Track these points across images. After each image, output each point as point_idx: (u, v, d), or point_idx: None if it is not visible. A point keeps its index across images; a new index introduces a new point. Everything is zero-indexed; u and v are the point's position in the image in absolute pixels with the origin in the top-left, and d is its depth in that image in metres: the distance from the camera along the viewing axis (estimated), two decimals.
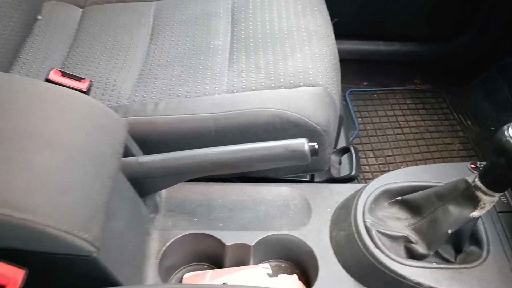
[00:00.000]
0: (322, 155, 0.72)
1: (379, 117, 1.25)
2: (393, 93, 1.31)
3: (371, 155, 1.16)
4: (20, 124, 0.52)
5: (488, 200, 0.56)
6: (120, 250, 0.54)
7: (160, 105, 0.71)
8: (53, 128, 0.53)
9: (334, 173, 0.83)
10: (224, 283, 0.60)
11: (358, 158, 0.85)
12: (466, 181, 0.57)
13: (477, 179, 0.56)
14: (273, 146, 0.59)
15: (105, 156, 0.54)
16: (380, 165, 1.13)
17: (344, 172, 0.84)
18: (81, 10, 0.97)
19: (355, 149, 0.87)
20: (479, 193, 0.56)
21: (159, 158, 0.61)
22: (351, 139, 1.14)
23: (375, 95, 1.31)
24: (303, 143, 0.59)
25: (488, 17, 1.23)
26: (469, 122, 1.22)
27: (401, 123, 1.24)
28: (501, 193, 0.56)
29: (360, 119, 1.24)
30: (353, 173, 0.81)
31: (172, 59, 0.82)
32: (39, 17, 0.93)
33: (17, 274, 0.45)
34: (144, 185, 0.62)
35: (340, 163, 0.87)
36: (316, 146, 0.60)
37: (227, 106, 0.70)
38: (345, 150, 0.88)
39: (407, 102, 1.29)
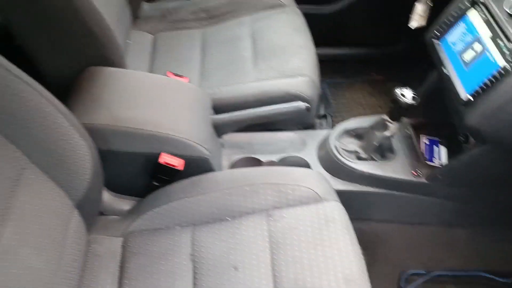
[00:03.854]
0: (310, 114, 1.30)
1: (346, 99, 1.84)
2: (355, 83, 1.90)
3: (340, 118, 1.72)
4: (159, 93, 1.08)
5: (392, 126, 1.15)
6: (215, 159, 1.11)
7: (219, 90, 1.28)
8: (177, 96, 1.09)
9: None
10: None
11: (331, 119, 1.43)
12: (382, 117, 1.16)
13: (385, 116, 1.15)
14: (288, 105, 1.17)
15: (206, 111, 1.12)
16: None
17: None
18: (152, 36, 1.53)
19: (330, 115, 1.46)
20: (387, 123, 1.15)
21: (228, 116, 1.19)
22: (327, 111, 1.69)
23: (343, 84, 1.90)
24: (303, 104, 1.17)
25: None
26: None
27: (361, 101, 1.83)
28: (397, 122, 1.14)
29: (334, 100, 1.82)
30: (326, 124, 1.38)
31: (220, 65, 1.38)
32: (129, 41, 1.44)
33: (180, 161, 1.02)
34: (218, 129, 1.19)
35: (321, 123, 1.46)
36: (308, 105, 1.19)
37: (256, 89, 1.27)
38: (324, 116, 1.47)
39: (366, 88, 1.89)
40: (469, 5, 1.02)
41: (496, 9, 0.95)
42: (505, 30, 0.91)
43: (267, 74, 1.30)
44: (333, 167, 1.18)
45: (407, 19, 1.73)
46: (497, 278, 1.29)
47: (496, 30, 0.94)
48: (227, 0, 1.55)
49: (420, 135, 1.25)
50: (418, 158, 1.20)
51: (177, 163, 1.00)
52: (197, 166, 1.05)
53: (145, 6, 1.58)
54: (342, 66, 1.88)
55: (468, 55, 0.99)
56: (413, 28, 1.24)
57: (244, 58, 1.38)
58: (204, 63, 1.40)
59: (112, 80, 1.06)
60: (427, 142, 1.24)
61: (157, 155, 1.00)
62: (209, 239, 0.98)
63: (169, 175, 1.03)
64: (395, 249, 1.28)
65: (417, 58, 1.85)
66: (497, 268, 1.29)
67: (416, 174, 1.16)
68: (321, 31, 1.53)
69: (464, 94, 0.96)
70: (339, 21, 1.81)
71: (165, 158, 1.00)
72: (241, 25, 1.50)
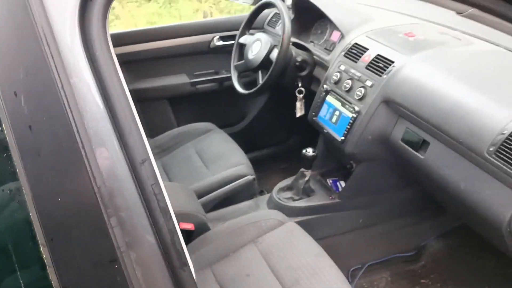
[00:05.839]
0: (254, 185, 1.94)
1: (272, 179, 2.52)
2: (274, 172, 2.61)
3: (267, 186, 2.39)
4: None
5: (308, 173, 1.84)
6: (207, 225, 1.69)
7: (193, 186, 1.89)
8: (179, 195, 1.70)
9: None
10: None
11: (265, 190, 2.09)
12: (300, 171, 1.85)
13: (302, 169, 1.84)
14: (242, 179, 1.82)
15: (194, 197, 1.73)
16: None
17: None
18: None
19: (265, 190, 2.12)
20: (305, 172, 1.84)
21: (205, 198, 1.79)
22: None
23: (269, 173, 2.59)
24: (251, 176, 1.84)
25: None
26: None
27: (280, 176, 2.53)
28: (310, 169, 1.84)
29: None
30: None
31: (184, 175, 2.00)
32: None
33: (191, 225, 1.59)
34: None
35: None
36: (254, 176, 1.84)
37: (216, 178, 1.91)
38: (261, 191, 2.12)
39: (283, 175, 2.60)
40: (325, 94, 1.82)
41: (339, 91, 1.75)
42: (347, 99, 1.70)
43: (218, 170, 1.95)
44: (281, 211, 1.80)
45: (291, 121, 2.56)
46: (406, 254, 1.95)
47: (343, 101, 1.72)
48: (170, 136, 2.23)
49: (326, 179, 1.95)
50: (329, 190, 1.88)
51: (190, 226, 1.57)
52: (200, 230, 1.62)
53: None
54: (260, 163, 2.58)
55: (334, 118, 1.75)
56: (297, 116, 2.00)
57: (199, 167, 2.02)
58: (172, 178, 2.01)
59: None
60: (331, 181, 1.94)
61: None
62: (225, 270, 1.52)
63: (187, 236, 1.58)
64: (337, 255, 1.88)
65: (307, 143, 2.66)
66: (404, 247, 1.95)
67: (332, 198, 1.83)
68: (239, 143, 2.21)
69: (339, 137, 1.70)
70: (248, 133, 2.58)
71: (182, 225, 1.56)
72: (187, 149, 2.16)
